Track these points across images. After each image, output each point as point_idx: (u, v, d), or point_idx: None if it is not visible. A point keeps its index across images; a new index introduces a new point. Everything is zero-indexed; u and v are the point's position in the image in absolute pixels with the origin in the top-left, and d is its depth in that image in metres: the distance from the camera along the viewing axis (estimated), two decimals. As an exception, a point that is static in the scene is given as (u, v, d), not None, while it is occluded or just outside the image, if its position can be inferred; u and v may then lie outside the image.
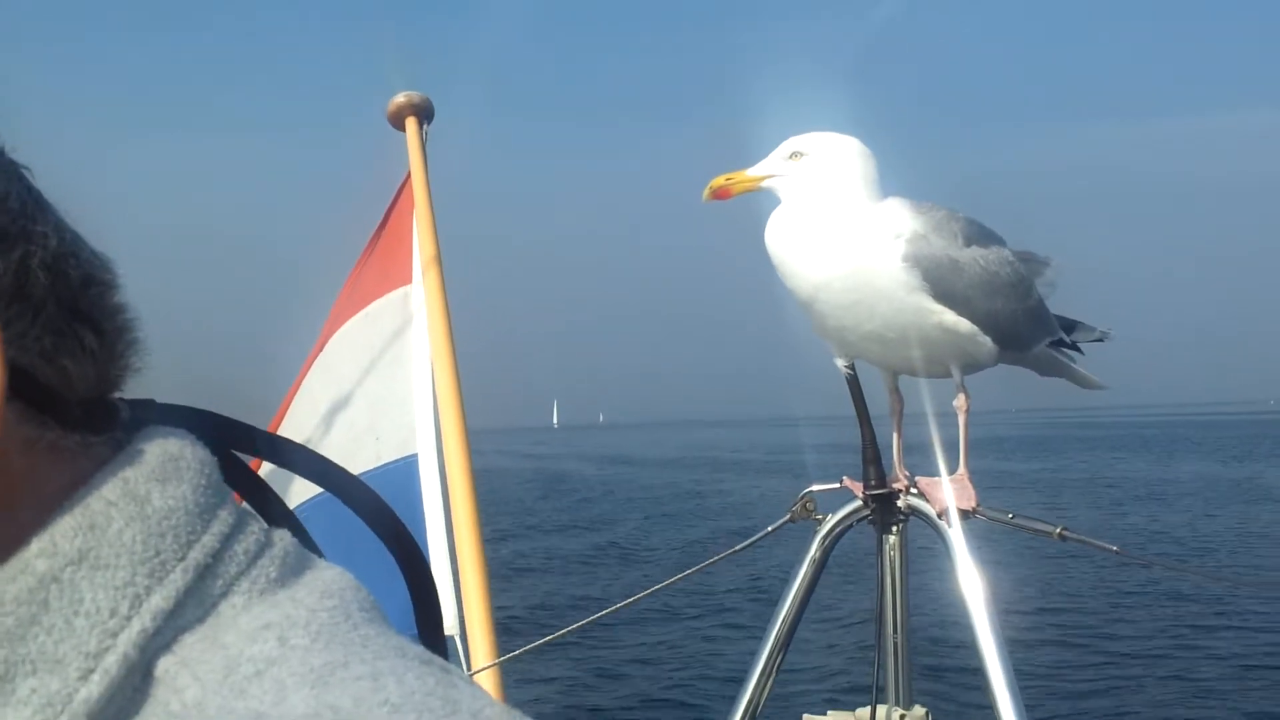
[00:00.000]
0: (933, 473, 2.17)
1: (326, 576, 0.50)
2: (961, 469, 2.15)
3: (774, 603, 2.24)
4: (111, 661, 0.42)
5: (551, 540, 17.14)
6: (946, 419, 2.15)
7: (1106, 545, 2.17)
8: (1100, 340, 2.34)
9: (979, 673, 1.93)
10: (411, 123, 2.42)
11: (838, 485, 2.28)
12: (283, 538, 0.52)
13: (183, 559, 0.46)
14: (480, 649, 2.00)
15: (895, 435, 2.24)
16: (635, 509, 22.62)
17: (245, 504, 0.56)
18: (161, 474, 0.48)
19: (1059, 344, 2.28)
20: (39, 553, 0.43)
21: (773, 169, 2.05)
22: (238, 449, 0.57)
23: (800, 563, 2.23)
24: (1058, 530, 2.09)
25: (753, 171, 2.06)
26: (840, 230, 2.00)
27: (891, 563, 2.25)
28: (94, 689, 0.42)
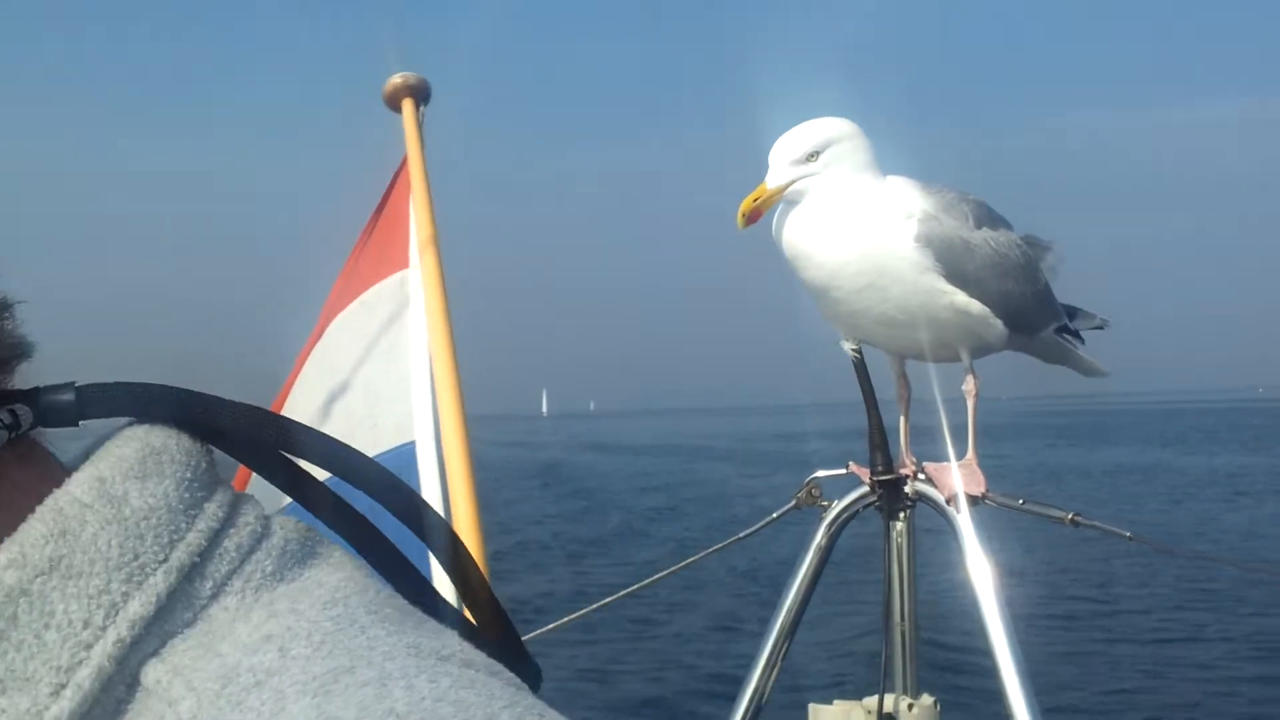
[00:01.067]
0: (940, 458, 2.18)
1: (333, 580, 0.48)
2: (970, 454, 2.16)
3: (778, 590, 2.25)
4: (84, 675, 0.41)
5: (547, 529, 17.19)
6: (954, 405, 2.16)
7: (1119, 531, 2.18)
8: (1100, 328, 2.36)
9: (988, 660, 1.94)
10: (408, 104, 2.40)
11: (843, 471, 2.29)
12: (284, 526, 0.49)
13: (164, 560, 0.44)
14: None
15: (902, 421, 2.25)
16: (633, 497, 22.67)
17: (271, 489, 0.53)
18: (141, 470, 0.46)
19: (1063, 330, 2.29)
20: (7, 564, 0.42)
21: (792, 174, 2.01)
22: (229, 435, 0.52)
23: (805, 550, 2.24)
24: (1070, 516, 2.09)
25: (773, 184, 2.01)
26: (852, 214, 1.99)
27: (899, 550, 2.26)
28: (65, 704, 0.41)
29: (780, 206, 2.05)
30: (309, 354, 2.66)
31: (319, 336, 2.65)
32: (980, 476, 2.13)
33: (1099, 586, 10.83)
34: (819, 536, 2.24)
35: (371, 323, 2.49)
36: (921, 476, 2.18)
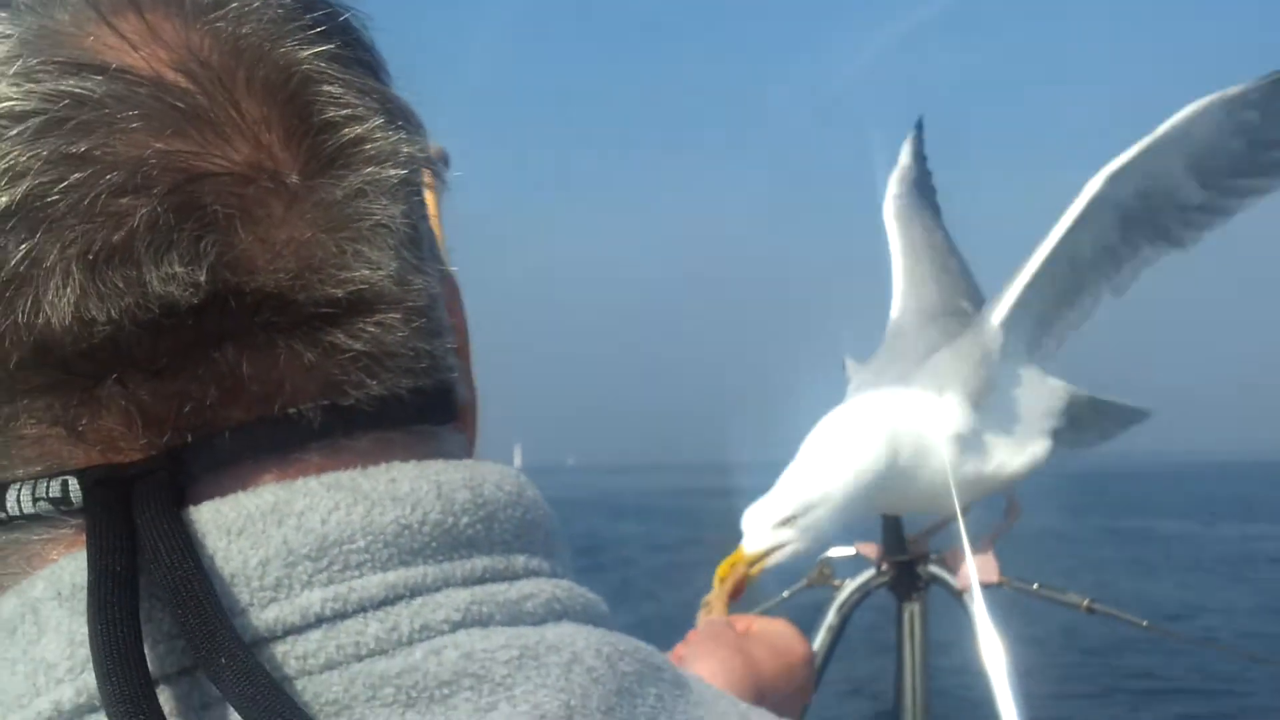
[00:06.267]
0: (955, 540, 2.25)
1: None
2: (986, 537, 2.24)
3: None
4: None
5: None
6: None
7: (1136, 619, 2.23)
8: (1139, 420, 2.40)
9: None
10: (426, 175, 2.53)
11: (855, 551, 2.36)
12: None
13: None
14: None
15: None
16: (625, 564, 22.46)
17: None
18: None
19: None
20: None
21: (773, 539, 1.83)
22: None
23: (816, 631, 2.30)
24: (1085, 602, 2.15)
25: (751, 550, 1.80)
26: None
27: (912, 632, 2.31)
28: None
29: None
30: None
31: None
32: (994, 559, 2.20)
33: (1117, 673, 10.78)
34: (830, 617, 2.28)
35: None
36: (935, 557, 2.26)
